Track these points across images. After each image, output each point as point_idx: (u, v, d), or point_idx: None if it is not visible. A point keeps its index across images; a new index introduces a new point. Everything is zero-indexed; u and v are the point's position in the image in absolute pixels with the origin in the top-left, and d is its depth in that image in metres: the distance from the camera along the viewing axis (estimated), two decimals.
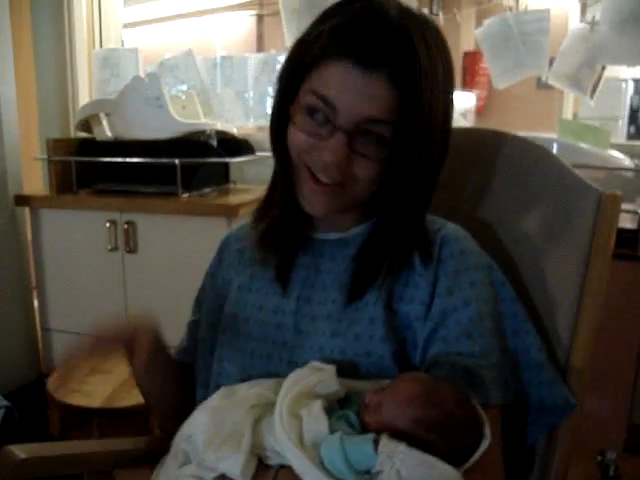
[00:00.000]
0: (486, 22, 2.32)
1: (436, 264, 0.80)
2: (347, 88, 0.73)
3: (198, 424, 0.74)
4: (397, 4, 0.76)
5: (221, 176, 2.42)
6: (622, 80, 4.23)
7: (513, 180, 0.98)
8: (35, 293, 2.51)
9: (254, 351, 0.87)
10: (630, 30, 2.00)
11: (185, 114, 2.39)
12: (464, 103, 3.50)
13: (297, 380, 0.73)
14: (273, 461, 0.69)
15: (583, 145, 2.08)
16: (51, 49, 2.59)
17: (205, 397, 0.84)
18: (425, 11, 2.54)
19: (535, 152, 0.98)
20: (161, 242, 2.17)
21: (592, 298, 0.89)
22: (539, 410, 0.84)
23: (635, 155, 2.10)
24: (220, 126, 2.35)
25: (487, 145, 1.00)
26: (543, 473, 0.89)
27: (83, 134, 2.47)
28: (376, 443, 0.64)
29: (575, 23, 3.17)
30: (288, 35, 2.56)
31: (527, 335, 0.82)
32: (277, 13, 2.58)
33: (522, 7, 2.25)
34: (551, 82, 2.26)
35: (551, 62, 2.23)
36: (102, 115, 2.40)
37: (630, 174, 1.97)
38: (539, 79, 2.39)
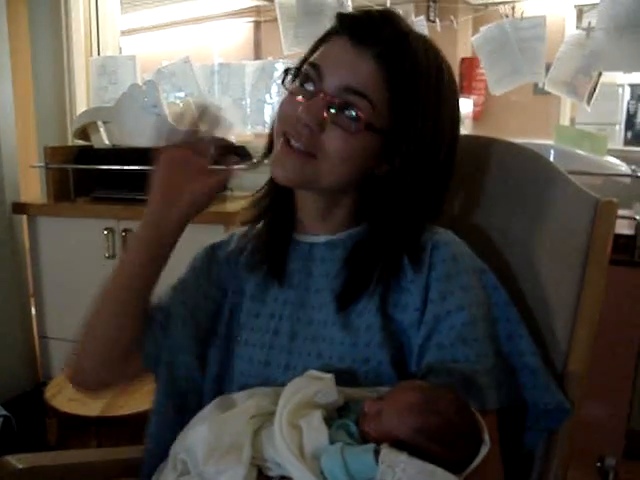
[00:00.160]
0: (483, 29, 2.33)
1: (428, 269, 0.80)
2: (337, 58, 0.78)
3: (197, 436, 0.74)
4: None
5: None
6: (619, 85, 4.25)
7: (509, 187, 0.98)
8: (32, 301, 2.50)
9: (252, 357, 0.87)
10: (626, 36, 2.01)
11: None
12: (461, 109, 3.51)
13: (296, 390, 0.73)
14: (273, 472, 0.69)
15: (580, 151, 2.09)
16: (49, 56, 2.60)
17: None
18: (422, 18, 2.55)
19: (532, 159, 0.99)
20: None
21: (589, 304, 0.89)
22: (535, 415, 0.84)
23: (632, 161, 2.10)
24: (217, 133, 2.35)
25: (483, 152, 1.00)
26: (542, 479, 0.89)
27: (81, 142, 2.48)
28: (377, 453, 0.64)
29: (571, 29, 3.18)
30: (285, 42, 2.56)
31: (521, 339, 0.82)
32: (274, 20, 2.59)
33: (518, 14, 2.25)
34: (548, 88, 2.26)
35: (548, 68, 2.24)
36: (100, 123, 2.40)
37: (627, 180, 1.98)
38: (536, 85, 2.40)
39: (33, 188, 2.61)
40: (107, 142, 2.40)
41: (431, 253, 0.81)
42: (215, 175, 0.85)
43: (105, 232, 2.21)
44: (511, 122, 4.62)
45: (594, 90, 2.24)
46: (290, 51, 2.55)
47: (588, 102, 2.26)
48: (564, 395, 0.83)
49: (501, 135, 1.06)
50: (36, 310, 2.48)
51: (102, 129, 2.40)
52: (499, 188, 0.99)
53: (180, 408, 0.88)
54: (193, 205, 0.83)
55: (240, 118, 2.66)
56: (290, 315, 0.86)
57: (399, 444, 0.65)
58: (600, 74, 2.22)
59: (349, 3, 2.45)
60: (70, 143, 2.62)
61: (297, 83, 0.81)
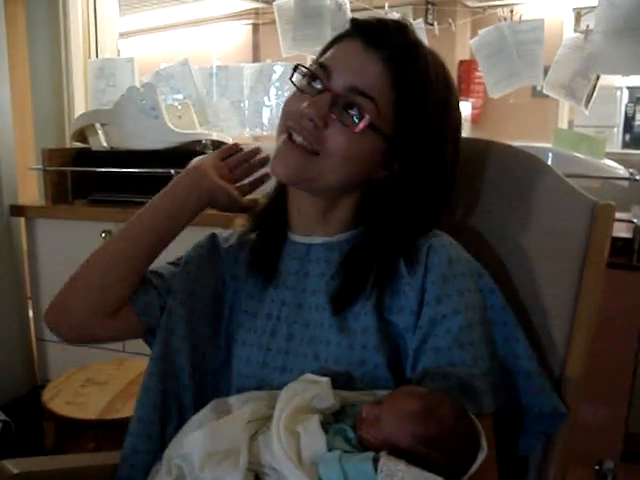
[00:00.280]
0: (481, 32, 2.33)
1: (424, 272, 0.80)
2: (346, 59, 0.80)
3: (194, 441, 0.73)
4: None
5: None
6: (617, 88, 4.26)
7: (507, 190, 0.98)
8: (30, 303, 2.50)
9: (249, 358, 0.87)
10: (624, 39, 2.01)
11: (181, 124, 2.40)
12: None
13: (292, 395, 0.73)
14: (271, 478, 0.68)
15: (578, 154, 2.09)
16: (47, 59, 2.60)
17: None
18: (420, 21, 2.55)
19: (529, 162, 0.99)
20: None
21: (587, 308, 0.89)
22: (530, 418, 0.84)
23: (630, 164, 2.10)
24: (216, 136, 2.35)
25: (481, 155, 1.00)
26: None
27: (79, 144, 2.48)
28: (375, 461, 0.64)
29: (569, 33, 3.19)
30: (284, 44, 2.57)
31: (517, 343, 0.82)
32: (273, 22, 2.59)
33: (517, 17, 2.25)
34: (546, 91, 2.27)
35: (546, 71, 2.24)
36: (98, 125, 2.40)
37: (625, 183, 1.98)
38: (534, 88, 2.40)
39: (31, 190, 2.60)
40: (105, 145, 2.40)
41: (427, 256, 0.81)
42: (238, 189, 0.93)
43: (103, 234, 2.21)
44: (509, 125, 4.62)
45: (592, 93, 2.24)
46: (288, 54, 2.55)
47: (586, 105, 2.27)
48: (560, 399, 0.83)
49: (499, 138, 1.07)
50: (33, 312, 2.48)
51: (100, 132, 2.40)
52: (496, 191, 0.99)
53: (164, 401, 0.88)
54: (210, 193, 0.89)
55: (238, 120, 2.66)
56: (287, 316, 0.86)
57: (397, 451, 0.65)
58: (598, 77, 2.22)
59: (347, 6, 2.46)
60: (68, 145, 2.62)
61: (305, 82, 0.82)
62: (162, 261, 0.94)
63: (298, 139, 0.79)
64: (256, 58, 5.50)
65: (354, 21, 0.83)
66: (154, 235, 0.88)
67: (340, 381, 0.77)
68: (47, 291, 2.39)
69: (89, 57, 2.78)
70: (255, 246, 0.92)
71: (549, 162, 2.03)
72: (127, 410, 1.64)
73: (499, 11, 2.39)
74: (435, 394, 0.71)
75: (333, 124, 0.78)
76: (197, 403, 0.86)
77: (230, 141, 2.45)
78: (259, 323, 0.88)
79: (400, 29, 0.81)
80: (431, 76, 0.80)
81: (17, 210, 2.37)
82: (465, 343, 0.77)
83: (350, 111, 0.78)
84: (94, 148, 2.40)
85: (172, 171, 2.11)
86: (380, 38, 0.79)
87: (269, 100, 2.60)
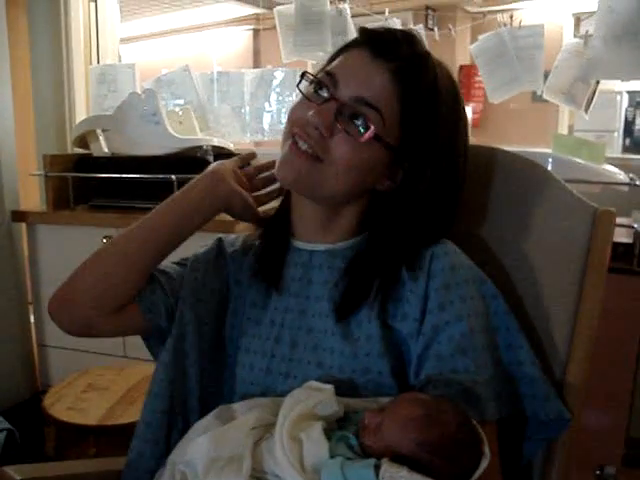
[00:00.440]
0: (481, 37, 2.34)
1: (426, 279, 0.81)
2: (353, 68, 0.80)
3: (198, 447, 0.74)
4: None
5: None
6: (617, 92, 4.27)
7: (508, 196, 0.99)
8: (31, 309, 2.50)
9: (253, 365, 0.87)
10: (624, 44, 2.02)
11: (182, 130, 2.40)
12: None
13: (296, 402, 0.73)
14: None
15: (578, 160, 2.09)
16: (48, 65, 2.60)
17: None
18: (421, 26, 2.56)
19: (530, 168, 0.99)
20: None
21: (588, 313, 0.89)
22: (534, 425, 0.84)
23: (630, 169, 2.11)
24: (217, 141, 2.36)
25: (482, 162, 1.00)
26: None
27: (80, 150, 2.48)
28: (377, 468, 0.64)
29: (569, 38, 3.20)
30: (284, 50, 2.57)
31: (520, 349, 0.82)
32: (274, 27, 2.60)
33: (516, 22, 2.26)
34: (546, 97, 2.27)
35: (546, 76, 2.24)
36: (99, 131, 2.41)
37: (625, 188, 1.98)
38: (534, 92, 2.40)
39: (32, 196, 2.61)
40: (106, 150, 2.40)
41: (430, 263, 0.81)
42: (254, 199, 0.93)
43: (104, 240, 2.21)
44: (510, 130, 4.63)
45: (592, 98, 2.25)
46: (289, 59, 2.56)
47: (586, 110, 2.27)
48: (564, 404, 0.83)
49: (500, 142, 1.07)
50: (35, 318, 2.48)
51: (101, 137, 2.41)
52: (497, 198, 0.99)
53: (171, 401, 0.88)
54: (226, 198, 0.88)
55: (239, 126, 2.67)
56: (291, 323, 0.86)
57: (400, 457, 0.65)
58: (598, 82, 2.23)
59: (348, 12, 2.47)
60: (69, 151, 2.62)
61: (312, 89, 0.82)
62: (165, 262, 0.93)
63: (304, 147, 0.79)
64: (257, 63, 5.51)
65: (363, 30, 0.84)
66: (166, 236, 0.87)
67: (344, 388, 0.77)
68: (48, 296, 2.36)
69: (90, 63, 2.78)
70: (259, 253, 0.92)
71: (549, 167, 2.03)
72: (128, 416, 1.64)
73: (499, 16, 2.39)
74: (438, 401, 0.71)
75: (338, 133, 0.78)
76: (202, 409, 0.86)
77: (231, 147, 2.45)
78: (263, 330, 0.88)
79: (408, 40, 0.81)
80: (439, 89, 0.80)
81: (18, 216, 2.38)
82: (468, 350, 0.77)
83: (355, 121, 0.78)
84: (95, 154, 2.40)
85: (173, 177, 2.12)
86: (388, 49, 0.79)
87: (270, 106, 2.60)
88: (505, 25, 2.29)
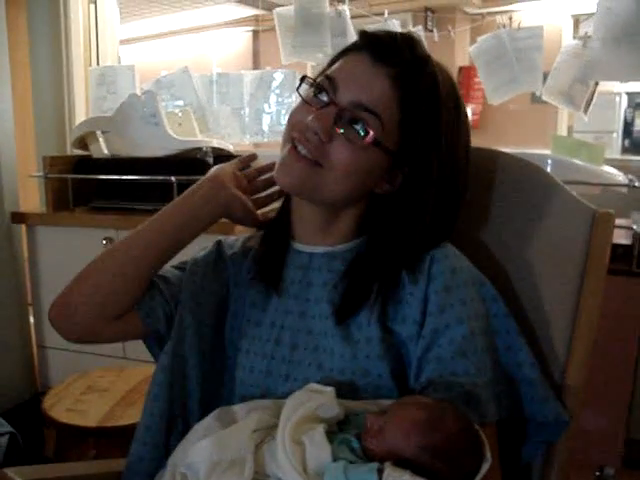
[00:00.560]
0: (480, 39, 2.34)
1: (427, 282, 0.81)
2: (353, 73, 0.80)
3: (199, 450, 0.74)
4: None
5: None
6: (616, 94, 4.28)
7: (507, 199, 0.99)
8: (31, 310, 2.50)
9: (253, 367, 0.87)
10: (623, 46, 2.02)
11: (181, 131, 2.40)
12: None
13: (297, 404, 0.73)
14: None
15: (577, 161, 2.10)
16: (48, 67, 2.60)
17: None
18: (420, 28, 2.56)
19: (529, 170, 0.99)
20: None
21: (587, 314, 0.89)
22: (533, 427, 0.84)
23: (629, 170, 2.11)
24: (216, 143, 2.35)
25: (482, 165, 1.01)
26: None
27: (80, 151, 2.48)
28: (380, 472, 0.64)
29: (568, 39, 3.20)
30: (284, 52, 2.58)
31: (520, 351, 0.82)
32: (273, 29, 2.61)
33: (515, 24, 2.26)
34: (545, 98, 2.27)
35: (545, 77, 2.25)
36: (99, 132, 2.41)
37: (624, 190, 1.99)
38: (534, 94, 2.41)
39: (32, 198, 2.61)
40: (106, 152, 2.40)
41: (430, 266, 0.81)
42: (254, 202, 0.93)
43: (104, 242, 2.21)
44: (509, 131, 4.63)
45: (591, 99, 2.25)
46: (288, 61, 2.56)
47: (585, 111, 2.28)
48: (563, 407, 0.83)
49: (499, 144, 1.07)
50: (34, 319, 2.48)
51: (101, 139, 2.41)
52: (497, 200, 0.99)
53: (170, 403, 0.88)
54: (226, 205, 0.88)
55: (239, 128, 2.67)
56: (291, 325, 0.86)
57: (402, 461, 0.65)
58: (597, 83, 2.23)
59: (347, 14, 2.47)
60: (69, 153, 2.62)
61: (311, 93, 0.82)
62: (164, 266, 0.93)
63: (303, 151, 0.79)
64: (256, 65, 5.51)
65: (363, 34, 0.83)
66: (166, 243, 0.87)
67: (344, 390, 0.77)
68: (48, 298, 2.37)
69: (90, 64, 2.79)
70: (259, 255, 0.93)
71: (548, 169, 2.04)
72: (128, 417, 1.64)
73: (498, 18, 2.40)
74: (439, 404, 0.71)
75: (337, 138, 0.78)
76: (202, 411, 0.86)
77: (231, 148, 2.46)
78: (263, 332, 0.88)
79: (409, 44, 0.81)
80: (439, 93, 0.80)
81: (18, 217, 2.37)
82: (468, 352, 0.77)
83: (355, 126, 0.78)
84: (95, 155, 2.40)
85: (173, 178, 2.12)
86: (388, 53, 0.79)
87: (269, 107, 2.61)
88: (504, 26, 2.30)
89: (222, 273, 0.94)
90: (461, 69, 4.90)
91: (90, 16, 2.76)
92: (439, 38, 2.75)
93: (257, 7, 4.42)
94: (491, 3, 4.06)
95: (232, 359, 0.90)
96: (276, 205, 0.96)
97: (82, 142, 2.43)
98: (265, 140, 2.68)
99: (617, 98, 4.31)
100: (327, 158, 0.79)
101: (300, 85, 0.84)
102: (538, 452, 0.88)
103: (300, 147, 0.79)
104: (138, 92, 2.59)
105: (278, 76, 2.59)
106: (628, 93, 4.35)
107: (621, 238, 1.76)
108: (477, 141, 0.93)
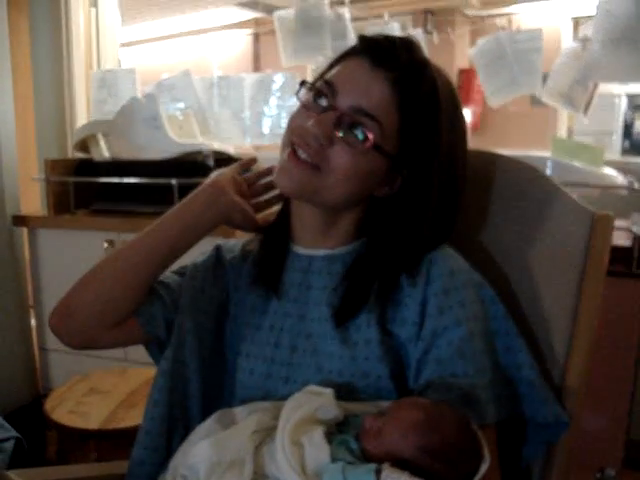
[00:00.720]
0: (479, 41, 2.35)
1: (425, 284, 0.81)
2: (352, 78, 0.80)
3: (199, 452, 0.74)
4: None
5: None
6: (615, 95, 4.28)
7: (507, 202, 0.99)
8: (32, 313, 2.51)
9: (253, 370, 0.87)
10: (622, 48, 2.03)
11: (182, 134, 2.41)
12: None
13: (296, 406, 0.73)
14: None
15: (577, 163, 2.10)
16: (49, 70, 2.61)
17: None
18: (419, 30, 2.57)
19: (528, 173, 0.99)
20: None
21: (587, 317, 0.89)
22: (533, 428, 0.84)
23: (629, 172, 2.11)
24: (217, 146, 2.36)
25: (481, 167, 1.01)
26: None
27: (81, 154, 2.48)
28: (378, 473, 0.64)
29: (568, 41, 3.21)
30: (284, 54, 2.58)
31: (519, 352, 0.82)
32: (273, 31, 2.61)
33: (515, 26, 2.27)
34: (545, 100, 2.28)
35: (544, 79, 2.25)
36: (100, 135, 2.41)
37: (624, 191, 1.99)
38: (533, 96, 2.41)
39: (33, 201, 2.61)
40: (107, 155, 2.41)
41: (429, 268, 0.82)
42: (254, 206, 0.93)
43: (105, 244, 2.22)
44: (509, 133, 4.63)
45: (591, 101, 2.26)
46: (289, 64, 2.57)
47: (585, 113, 2.28)
48: (562, 408, 0.84)
49: (499, 146, 1.07)
50: (36, 322, 2.49)
51: (102, 142, 2.41)
52: (496, 202, 1.00)
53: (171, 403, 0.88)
54: (226, 212, 0.88)
55: (239, 130, 2.67)
56: (290, 328, 0.87)
57: (400, 462, 0.65)
58: (596, 85, 2.24)
59: (347, 16, 2.47)
60: (70, 156, 2.62)
61: (311, 98, 0.83)
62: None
63: (303, 155, 0.80)
64: (257, 67, 5.52)
65: (362, 38, 0.84)
66: (166, 250, 0.88)
67: (343, 392, 0.78)
68: (49, 300, 2.39)
69: (91, 67, 2.79)
70: (259, 258, 0.93)
71: (548, 171, 2.04)
72: (129, 420, 1.65)
73: (498, 20, 2.41)
74: (438, 405, 0.71)
75: (338, 143, 0.79)
76: (203, 415, 0.86)
77: (231, 151, 2.46)
78: (263, 335, 0.88)
79: (407, 48, 0.81)
80: (438, 97, 0.81)
81: (19, 220, 2.38)
82: (467, 354, 0.78)
83: (355, 130, 0.79)
84: (96, 158, 2.40)
85: (173, 181, 2.12)
86: (387, 57, 0.79)
87: (270, 110, 2.61)
88: (504, 29, 2.31)
89: (221, 278, 0.94)
90: (461, 71, 4.90)
91: (91, 19, 2.76)
92: (439, 40, 2.75)
93: (257, 10, 4.43)
94: (491, 5, 4.06)
95: (232, 362, 0.91)
96: (276, 208, 0.96)
97: (83, 145, 2.43)
98: (266, 143, 2.68)
99: (617, 100, 4.31)
100: (327, 162, 0.79)
101: (299, 90, 0.84)
102: (538, 453, 0.88)
103: (300, 151, 0.80)
104: (139, 95, 2.60)
105: (278, 79, 2.59)
106: (628, 95, 4.35)
107: (621, 240, 1.76)
108: (477, 143, 0.93)
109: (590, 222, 0.91)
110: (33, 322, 2.52)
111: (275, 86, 2.59)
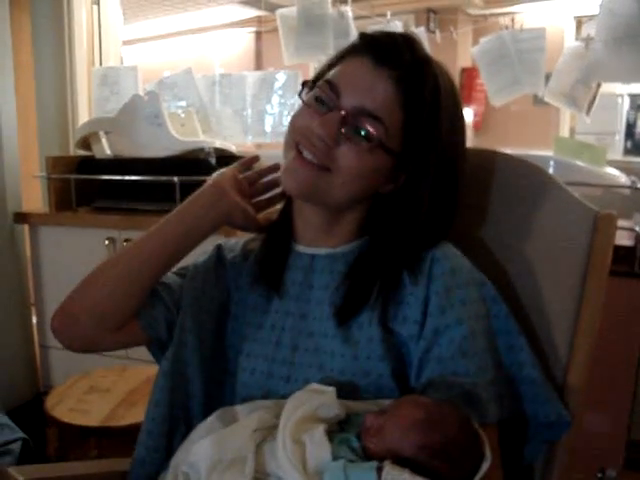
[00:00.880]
0: (482, 40, 2.34)
1: (427, 282, 0.81)
2: (355, 77, 0.80)
3: (201, 450, 0.74)
4: None
5: None
6: (618, 95, 4.28)
7: (509, 199, 0.99)
8: (34, 310, 2.51)
9: (255, 369, 0.87)
10: (625, 47, 2.02)
11: (184, 132, 2.41)
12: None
13: (298, 404, 0.73)
14: None
15: (579, 163, 2.10)
16: (51, 67, 2.61)
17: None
18: (422, 29, 2.56)
19: (531, 172, 0.99)
20: None
21: (589, 316, 0.89)
22: (535, 427, 0.84)
23: (631, 171, 2.11)
24: (219, 143, 2.36)
25: (484, 166, 1.01)
26: None
27: (82, 152, 2.48)
28: (379, 470, 0.64)
29: (570, 41, 3.20)
30: (286, 52, 2.58)
31: (521, 351, 0.82)
32: (276, 29, 2.61)
33: (518, 25, 2.27)
34: (547, 99, 2.28)
35: (547, 79, 2.25)
36: (101, 133, 2.41)
37: (626, 191, 1.98)
38: (536, 95, 2.41)
39: (35, 198, 2.61)
40: (109, 152, 2.41)
41: (430, 266, 0.82)
42: (255, 205, 0.93)
43: (106, 242, 2.22)
44: (511, 132, 4.63)
45: (593, 100, 2.25)
46: (291, 62, 2.57)
47: (587, 112, 2.28)
48: (564, 407, 0.83)
49: (501, 145, 1.07)
50: (37, 319, 2.49)
51: (104, 139, 2.41)
52: (498, 201, 1.00)
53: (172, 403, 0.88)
54: (228, 213, 0.88)
55: (241, 128, 2.67)
56: (291, 327, 0.87)
57: (401, 460, 0.65)
58: (599, 85, 2.23)
59: (349, 14, 2.47)
60: (72, 153, 2.62)
61: (313, 97, 0.82)
62: None
63: (309, 156, 0.79)
64: (259, 65, 5.52)
65: (363, 36, 0.83)
66: (168, 252, 0.87)
67: (345, 391, 0.77)
68: (51, 298, 2.39)
69: (93, 65, 2.79)
70: (260, 257, 0.93)
71: (550, 170, 2.04)
72: (130, 417, 1.65)
73: (500, 19, 2.40)
74: (439, 404, 0.71)
75: (343, 142, 0.78)
76: (204, 414, 0.86)
77: (233, 149, 2.46)
78: (264, 334, 0.88)
79: (409, 45, 0.81)
80: (440, 94, 0.80)
81: (21, 217, 2.38)
82: (469, 352, 0.78)
83: (359, 130, 0.78)
84: (98, 156, 2.40)
85: (175, 179, 2.12)
86: (389, 55, 0.79)
87: (272, 108, 2.61)
88: (507, 28, 2.30)
89: (222, 277, 0.94)
90: (463, 70, 4.90)
91: (93, 17, 2.76)
92: (441, 39, 2.75)
93: (260, 8, 4.43)
94: (493, 4, 4.06)
95: (233, 362, 0.90)
96: (277, 207, 0.96)
97: (85, 142, 2.43)
98: (267, 141, 2.68)
99: (619, 99, 4.31)
100: (334, 162, 0.79)
101: (302, 91, 0.84)
102: (540, 452, 0.88)
103: (306, 152, 0.80)
104: (141, 93, 2.60)
105: (280, 77, 2.59)
106: (630, 95, 4.35)
107: (623, 239, 1.76)
108: (479, 142, 0.93)
109: (593, 221, 0.91)
110: (34, 319, 2.52)
111: (277, 84, 2.59)
